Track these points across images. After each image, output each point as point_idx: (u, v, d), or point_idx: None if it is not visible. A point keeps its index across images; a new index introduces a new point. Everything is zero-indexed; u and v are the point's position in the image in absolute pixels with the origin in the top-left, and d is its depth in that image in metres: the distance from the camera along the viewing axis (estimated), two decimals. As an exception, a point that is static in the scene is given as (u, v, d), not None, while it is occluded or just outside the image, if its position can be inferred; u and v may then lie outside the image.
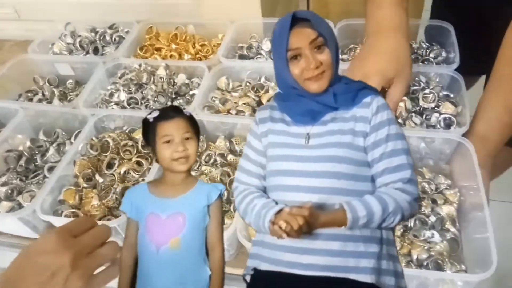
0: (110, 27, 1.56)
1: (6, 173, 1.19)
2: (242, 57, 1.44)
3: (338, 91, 0.74)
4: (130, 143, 1.18)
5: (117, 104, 1.30)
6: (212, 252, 0.80)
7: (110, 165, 1.14)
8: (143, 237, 0.77)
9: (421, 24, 1.41)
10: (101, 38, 1.52)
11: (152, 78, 1.34)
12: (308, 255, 0.69)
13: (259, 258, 0.75)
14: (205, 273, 0.78)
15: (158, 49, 1.49)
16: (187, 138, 0.77)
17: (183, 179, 0.80)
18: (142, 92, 1.31)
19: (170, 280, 0.76)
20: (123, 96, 1.28)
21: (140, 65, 1.36)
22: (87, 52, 1.49)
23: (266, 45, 1.45)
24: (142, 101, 1.30)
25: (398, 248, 0.94)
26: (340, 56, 1.31)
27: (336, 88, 0.74)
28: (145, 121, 0.81)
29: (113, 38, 1.52)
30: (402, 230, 0.97)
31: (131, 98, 1.29)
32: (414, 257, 0.92)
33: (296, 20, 0.72)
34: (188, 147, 0.77)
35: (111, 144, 1.16)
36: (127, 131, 1.23)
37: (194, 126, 0.81)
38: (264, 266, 0.73)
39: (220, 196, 0.80)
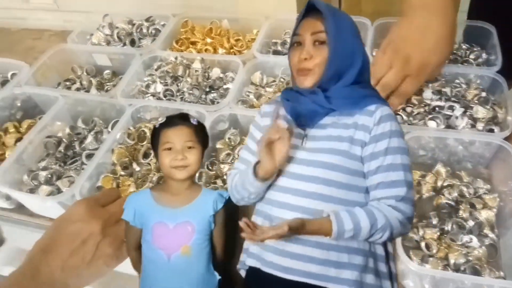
0: (147, 20, 1.59)
1: (45, 158, 1.22)
2: (276, 52, 1.44)
3: (336, 95, 0.73)
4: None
5: (153, 95, 1.32)
6: (214, 256, 0.81)
7: (146, 155, 1.16)
8: (150, 246, 0.77)
9: (459, 25, 1.38)
10: (138, 31, 1.55)
11: (187, 71, 1.36)
12: (290, 259, 0.69)
13: (248, 254, 0.76)
14: (215, 278, 0.79)
15: (193, 43, 1.50)
16: (190, 147, 0.78)
17: (187, 187, 0.80)
18: (177, 85, 1.33)
19: (183, 286, 0.77)
20: (159, 88, 1.30)
21: (176, 58, 1.38)
22: (124, 44, 1.52)
23: (301, 42, 1.44)
24: (177, 93, 1.32)
25: (434, 251, 0.93)
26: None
27: (332, 91, 0.73)
28: (153, 127, 0.82)
29: (149, 31, 1.55)
30: (438, 234, 0.96)
31: (166, 90, 1.31)
32: (452, 261, 0.91)
33: (315, 10, 0.73)
34: (189, 156, 0.77)
35: (147, 134, 1.18)
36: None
37: (199, 135, 0.81)
38: (250, 262, 0.74)
39: (225, 204, 0.81)
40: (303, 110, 0.74)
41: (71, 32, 1.63)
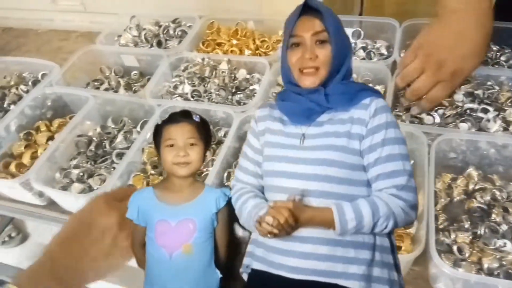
0: (173, 21, 1.61)
1: (77, 157, 1.25)
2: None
3: (332, 91, 0.73)
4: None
5: (180, 96, 1.34)
6: (217, 253, 0.81)
7: (175, 155, 1.18)
8: (153, 243, 0.77)
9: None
10: (164, 32, 1.57)
11: (214, 72, 1.37)
12: (296, 258, 0.69)
13: (252, 257, 0.76)
14: (216, 276, 0.80)
15: (219, 44, 1.52)
16: (192, 144, 0.78)
17: (189, 184, 0.80)
18: (204, 85, 1.35)
19: (183, 285, 0.77)
20: (187, 88, 1.32)
21: (203, 59, 1.39)
22: (151, 45, 1.55)
23: (327, 43, 1.44)
24: (204, 94, 1.33)
25: (467, 255, 0.92)
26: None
27: (331, 88, 0.73)
28: (156, 125, 0.82)
29: (176, 32, 1.57)
30: (471, 237, 0.95)
31: (194, 90, 1.32)
32: (485, 265, 0.90)
33: (310, 9, 0.72)
34: (191, 153, 0.77)
35: (176, 134, 1.19)
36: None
37: (202, 132, 0.80)
38: (256, 265, 0.74)
39: (228, 202, 0.81)
40: (300, 109, 0.75)
41: (97, 33, 1.66)
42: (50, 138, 1.34)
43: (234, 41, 1.50)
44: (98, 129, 1.29)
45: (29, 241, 2.22)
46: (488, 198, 1.00)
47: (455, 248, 0.94)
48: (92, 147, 1.25)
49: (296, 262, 0.69)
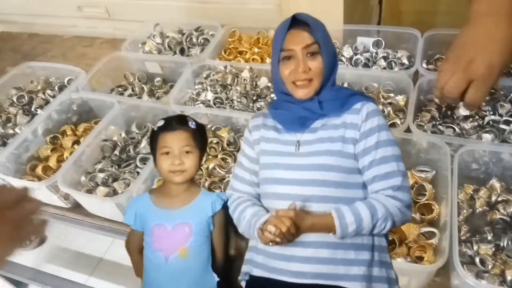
0: (196, 30, 1.64)
1: (101, 161, 1.28)
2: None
3: (325, 98, 0.74)
4: (215, 140, 1.24)
5: (202, 102, 1.37)
6: (214, 257, 0.82)
7: (197, 160, 1.20)
8: (150, 247, 0.79)
9: None
10: (187, 40, 1.60)
11: (236, 80, 1.39)
12: (298, 263, 0.70)
13: (252, 264, 0.77)
14: (213, 280, 0.81)
15: (241, 52, 1.54)
16: (187, 152, 0.79)
17: (185, 189, 0.81)
18: (226, 93, 1.37)
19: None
20: (210, 95, 1.34)
21: (225, 67, 1.42)
22: (174, 53, 1.58)
23: (347, 52, 1.46)
24: (226, 101, 1.35)
25: (490, 267, 0.92)
26: (426, 66, 1.30)
27: (323, 95, 0.75)
28: (152, 130, 0.84)
29: (198, 40, 1.60)
30: (493, 250, 0.94)
31: (216, 98, 1.35)
32: (508, 277, 0.89)
33: (297, 23, 0.74)
34: (186, 161, 0.79)
35: (199, 140, 1.22)
36: (212, 128, 1.28)
37: (197, 138, 0.82)
38: (256, 272, 0.75)
39: (224, 206, 0.82)
40: (294, 117, 0.76)
41: (120, 40, 1.70)
42: (76, 142, 1.38)
43: (256, 49, 1.52)
44: (123, 134, 1.32)
45: (47, 243, 2.27)
46: (511, 210, 0.99)
47: (477, 259, 0.94)
48: (116, 152, 1.29)
49: (298, 266, 0.70)
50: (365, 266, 0.69)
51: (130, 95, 1.51)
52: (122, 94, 1.53)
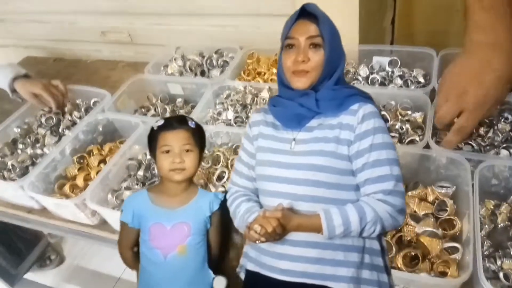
0: (216, 52, 1.70)
1: (127, 179, 1.33)
2: (339, 82, 1.49)
3: (323, 97, 0.75)
4: (236, 158, 1.27)
5: (223, 122, 1.41)
6: (210, 255, 0.85)
7: (219, 177, 1.24)
8: (148, 245, 0.81)
9: None
10: (207, 62, 1.66)
11: (255, 100, 1.44)
12: (286, 261, 0.71)
13: (247, 258, 0.79)
14: (210, 276, 0.83)
15: (259, 73, 1.59)
16: (187, 150, 0.81)
17: (183, 188, 0.83)
18: (246, 112, 1.41)
19: (178, 285, 0.80)
20: (230, 114, 1.39)
21: (245, 87, 1.47)
22: (196, 74, 1.64)
23: (364, 71, 1.49)
24: (246, 120, 1.39)
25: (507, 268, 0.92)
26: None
27: (321, 93, 0.75)
28: (151, 129, 0.86)
29: (218, 62, 1.66)
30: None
31: (237, 117, 1.39)
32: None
33: (307, 15, 0.75)
34: (186, 159, 0.80)
35: (221, 158, 1.26)
36: (233, 147, 1.32)
37: (197, 138, 0.84)
38: (250, 266, 0.77)
39: (221, 206, 0.83)
40: (291, 114, 0.77)
41: (142, 63, 1.77)
42: (102, 161, 1.43)
43: (274, 70, 1.57)
44: (148, 153, 1.37)
45: (66, 263, 2.32)
46: (531, 219, 0.99)
47: (501, 275, 0.94)
48: (141, 170, 1.33)
49: (287, 265, 0.71)
50: (354, 268, 0.69)
51: (153, 115, 1.57)
52: (145, 114, 1.59)
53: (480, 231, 1.01)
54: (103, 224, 1.31)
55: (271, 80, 1.55)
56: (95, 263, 2.24)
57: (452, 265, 0.95)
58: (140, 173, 1.33)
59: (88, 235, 1.37)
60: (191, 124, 0.84)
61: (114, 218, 1.24)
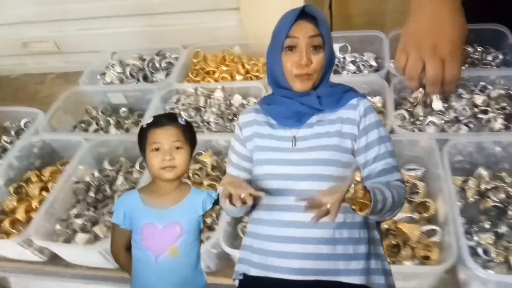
0: (157, 54, 1.58)
1: (76, 205, 1.19)
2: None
3: (322, 94, 0.74)
4: (197, 166, 1.18)
5: (177, 128, 1.31)
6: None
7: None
8: (139, 246, 0.77)
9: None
10: (149, 65, 1.54)
11: (209, 101, 1.35)
12: (298, 260, 0.69)
13: (249, 264, 0.74)
14: (203, 278, 0.80)
15: (208, 72, 1.50)
16: (178, 148, 0.77)
17: (176, 187, 0.79)
18: (201, 115, 1.32)
19: (169, 287, 0.76)
20: (184, 120, 1.29)
21: (196, 89, 1.37)
22: (138, 80, 1.51)
23: (315, 61, 1.46)
24: (202, 124, 1.30)
25: (493, 255, 0.93)
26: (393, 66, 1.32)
27: (321, 91, 0.74)
28: (140, 127, 0.81)
29: (161, 65, 1.54)
30: (494, 238, 0.96)
31: (191, 122, 1.29)
32: (514, 263, 0.90)
33: (305, 15, 0.73)
34: (176, 157, 0.77)
35: (181, 169, 1.16)
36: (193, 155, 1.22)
37: (187, 135, 0.80)
38: (254, 272, 0.73)
39: (214, 205, 0.80)
40: (291, 112, 0.75)
41: (74, 73, 1.61)
42: (43, 188, 1.27)
43: (224, 68, 1.49)
44: (96, 173, 1.23)
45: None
46: (502, 196, 1.01)
47: (480, 250, 0.94)
48: (91, 193, 1.20)
49: (300, 263, 0.69)
50: (363, 260, 0.69)
51: (95, 130, 1.42)
52: (86, 130, 1.44)
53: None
54: (55, 258, 1.17)
55: (222, 78, 1.46)
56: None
57: (433, 248, 0.94)
58: (91, 195, 1.19)
59: (40, 273, 1.21)
60: (181, 121, 0.80)
61: (66, 252, 1.10)
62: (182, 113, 1.31)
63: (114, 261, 0.83)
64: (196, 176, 1.17)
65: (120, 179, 1.20)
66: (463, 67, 1.27)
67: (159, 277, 0.76)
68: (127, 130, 1.40)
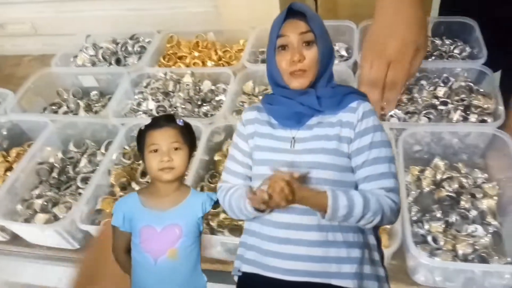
0: (131, 38, 1.58)
1: (39, 186, 1.19)
2: (265, 61, 1.45)
3: (323, 94, 0.74)
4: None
5: (145, 113, 1.31)
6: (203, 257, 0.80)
7: (144, 173, 1.15)
8: (138, 249, 0.77)
9: (431, 20, 1.41)
10: (122, 49, 1.53)
11: (178, 86, 1.35)
12: (291, 261, 0.69)
13: (242, 260, 0.75)
14: (203, 280, 0.80)
15: (181, 57, 1.50)
16: (176, 149, 0.77)
17: (175, 189, 0.79)
18: (169, 100, 1.32)
19: None
20: (151, 105, 1.29)
21: (165, 74, 1.37)
22: (110, 63, 1.51)
23: (287, 49, 1.46)
24: (170, 109, 1.31)
25: (442, 243, 0.94)
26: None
27: (321, 91, 0.74)
28: (139, 129, 0.81)
29: (134, 49, 1.53)
30: (444, 226, 0.97)
31: (159, 106, 1.30)
32: (460, 252, 0.92)
33: (294, 14, 0.73)
34: (175, 158, 0.76)
35: (144, 152, 1.16)
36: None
37: (186, 136, 0.80)
38: (246, 268, 0.74)
39: (214, 206, 0.80)
40: (291, 112, 0.75)
41: (51, 56, 1.59)
42: (8, 169, 1.27)
43: (196, 53, 1.49)
44: (60, 155, 1.24)
45: (-5, 280, 2.09)
46: (456, 186, 1.03)
47: (429, 238, 0.96)
48: (54, 174, 1.20)
49: (291, 264, 0.69)
50: (356, 264, 0.69)
51: (65, 112, 1.42)
52: (56, 112, 1.44)
53: (408, 197, 1.03)
54: (17, 238, 1.17)
55: (194, 64, 1.46)
56: (27, 275, 2.04)
57: (383, 235, 0.95)
58: (54, 176, 1.19)
59: (2, 252, 1.22)
60: (179, 122, 0.80)
61: (25, 231, 1.10)
62: (150, 97, 1.31)
63: (117, 263, 0.83)
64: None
65: (83, 161, 1.20)
66: (429, 59, 1.28)
67: (158, 280, 0.76)
68: (96, 113, 1.40)
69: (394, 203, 0.69)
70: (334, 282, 0.67)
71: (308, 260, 0.69)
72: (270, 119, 0.78)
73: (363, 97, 0.75)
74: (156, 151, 0.76)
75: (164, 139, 0.77)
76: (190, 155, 0.81)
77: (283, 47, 0.73)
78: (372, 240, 0.73)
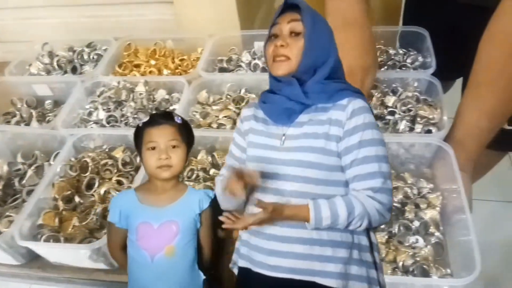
0: (88, 46, 1.55)
1: (-17, 199, 1.16)
2: (222, 70, 1.44)
3: (310, 90, 0.74)
4: (110, 162, 1.16)
5: (96, 123, 1.29)
6: (200, 254, 0.81)
7: (90, 186, 1.12)
8: (134, 246, 0.77)
9: (397, 30, 1.43)
10: (79, 57, 1.51)
11: (131, 95, 1.33)
12: (275, 257, 0.71)
13: (238, 254, 0.78)
14: (200, 278, 0.80)
15: (137, 66, 1.48)
16: (174, 146, 0.78)
17: (172, 186, 0.80)
18: (121, 110, 1.30)
19: (166, 287, 0.76)
20: (102, 114, 1.27)
21: (118, 83, 1.35)
22: (65, 72, 1.48)
23: (246, 57, 1.45)
24: (121, 119, 1.28)
25: (384, 255, 0.94)
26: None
27: (309, 86, 0.75)
28: (136, 126, 0.81)
29: (91, 57, 1.51)
30: (387, 237, 0.97)
31: (110, 116, 1.28)
32: (400, 263, 0.92)
33: (293, 8, 0.76)
34: (173, 155, 0.77)
35: (90, 164, 1.14)
36: (106, 150, 1.21)
37: (184, 133, 0.81)
38: (241, 263, 0.76)
39: (211, 204, 0.81)
40: (280, 108, 0.75)
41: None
42: (-46, 181, 1.24)
43: (152, 62, 1.47)
44: (5, 167, 1.20)
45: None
46: (400, 196, 1.03)
47: (372, 250, 0.96)
48: (-1, 187, 1.17)
49: (276, 261, 0.70)
50: (342, 264, 0.69)
51: (17, 122, 1.39)
52: (9, 122, 1.40)
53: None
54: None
55: (149, 72, 1.44)
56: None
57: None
58: (-1, 190, 1.16)
59: None
60: (177, 120, 0.80)
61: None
62: (100, 107, 1.28)
63: (112, 259, 0.84)
64: (108, 172, 1.15)
65: (29, 173, 1.18)
66: (381, 69, 1.28)
67: (155, 277, 0.76)
68: (49, 123, 1.37)
69: (380, 204, 0.69)
70: (318, 280, 0.68)
71: (292, 257, 0.70)
72: (265, 117, 0.79)
73: (356, 93, 0.75)
74: (153, 148, 0.77)
75: (162, 137, 0.77)
76: (188, 153, 0.82)
77: (276, 36, 0.76)
78: (364, 241, 0.73)
